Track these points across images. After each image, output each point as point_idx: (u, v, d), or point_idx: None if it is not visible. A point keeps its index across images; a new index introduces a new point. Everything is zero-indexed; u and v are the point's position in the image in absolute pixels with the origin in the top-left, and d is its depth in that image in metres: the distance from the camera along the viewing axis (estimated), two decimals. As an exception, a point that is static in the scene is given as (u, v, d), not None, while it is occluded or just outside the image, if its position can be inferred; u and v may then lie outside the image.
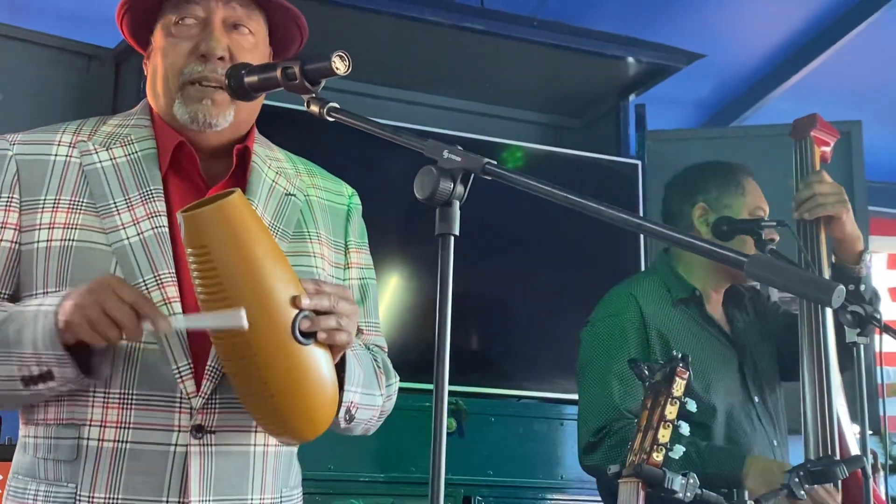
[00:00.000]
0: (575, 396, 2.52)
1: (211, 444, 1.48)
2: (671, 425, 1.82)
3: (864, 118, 3.78)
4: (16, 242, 1.53)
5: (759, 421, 2.40)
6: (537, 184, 1.27)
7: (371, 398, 1.60)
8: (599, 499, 2.56)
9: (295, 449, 1.64)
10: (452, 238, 1.27)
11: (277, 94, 1.56)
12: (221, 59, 1.56)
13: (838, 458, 2.17)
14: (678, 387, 1.84)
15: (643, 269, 3.54)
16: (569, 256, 3.54)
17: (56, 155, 1.57)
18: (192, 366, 1.47)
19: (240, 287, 1.35)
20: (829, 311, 2.33)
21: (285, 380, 1.39)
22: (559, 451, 3.27)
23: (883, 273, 5.13)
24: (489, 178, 1.30)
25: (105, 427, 1.47)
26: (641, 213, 3.60)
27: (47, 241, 1.52)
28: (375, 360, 1.65)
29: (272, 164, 1.67)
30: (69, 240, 1.51)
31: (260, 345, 1.36)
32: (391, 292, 3.31)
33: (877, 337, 2.10)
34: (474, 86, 3.87)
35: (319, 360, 1.41)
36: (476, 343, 3.36)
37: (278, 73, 1.43)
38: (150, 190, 1.55)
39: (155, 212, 1.53)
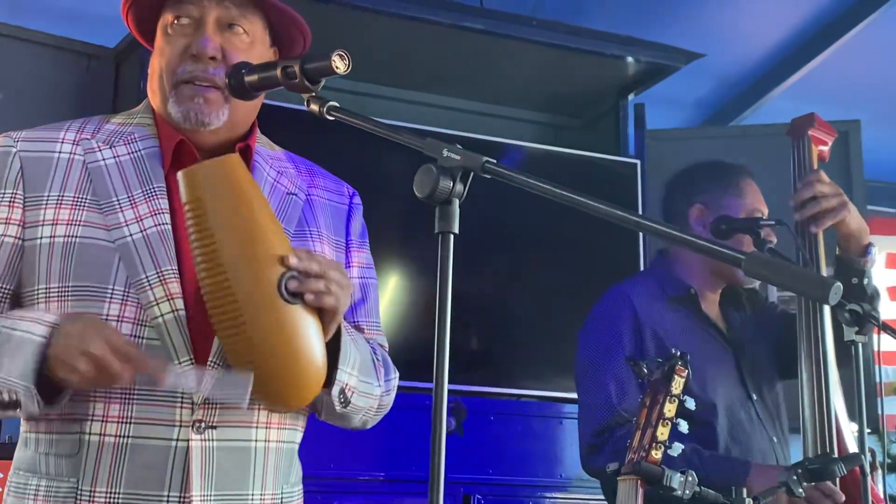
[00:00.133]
0: (574, 395, 2.53)
1: (212, 440, 1.49)
2: (670, 423, 1.83)
3: (862, 118, 3.78)
4: (19, 238, 1.54)
5: (759, 418, 2.41)
6: (536, 182, 1.27)
7: (368, 386, 1.60)
8: (598, 497, 2.57)
9: (296, 446, 1.65)
10: (452, 236, 1.27)
11: (277, 93, 1.57)
12: (213, 58, 1.56)
13: (836, 456, 2.17)
14: (677, 385, 1.84)
15: (642, 268, 3.55)
16: (568, 256, 3.55)
17: (60, 152, 1.58)
18: (193, 361, 1.48)
19: (230, 241, 1.38)
20: (827, 310, 2.34)
21: (270, 337, 1.40)
22: (558, 449, 3.28)
23: (882, 272, 5.14)
24: (488, 177, 1.30)
25: (107, 422, 1.48)
26: (640, 213, 3.61)
27: (50, 237, 1.53)
28: (375, 353, 1.66)
29: (274, 163, 1.68)
30: (72, 236, 1.52)
31: (246, 300, 1.38)
32: (391, 291, 3.32)
33: (875, 336, 2.10)
34: (474, 85, 3.87)
35: (306, 321, 1.42)
36: (475, 342, 3.37)
37: (278, 72, 1.44)
38: (153, 187, 1.56)
39: (158, 209, 1.54)
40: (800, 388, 2.33)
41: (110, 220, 1.53)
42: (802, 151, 2.51)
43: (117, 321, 1.48)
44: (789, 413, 2.51)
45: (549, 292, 3.50)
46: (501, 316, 3.49)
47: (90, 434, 1.48)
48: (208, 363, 1.49)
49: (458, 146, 1.30)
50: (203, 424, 1.48)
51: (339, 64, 1.39)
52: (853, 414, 2.21)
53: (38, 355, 1.40)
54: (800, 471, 1.95)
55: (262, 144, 1.69)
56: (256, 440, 1.54)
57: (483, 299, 3.43)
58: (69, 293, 1.50)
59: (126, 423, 1.48)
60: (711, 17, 4.27)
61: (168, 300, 1.49)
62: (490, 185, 1.37)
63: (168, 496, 1.47)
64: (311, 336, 1.43)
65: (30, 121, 1.68)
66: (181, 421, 1.48)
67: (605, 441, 2.29)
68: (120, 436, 1.47)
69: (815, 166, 2.49)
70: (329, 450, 2.93)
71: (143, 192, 1.55)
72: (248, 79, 1.48)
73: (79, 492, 1.47)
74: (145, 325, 1.49)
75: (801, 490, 1.94)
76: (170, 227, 1.53)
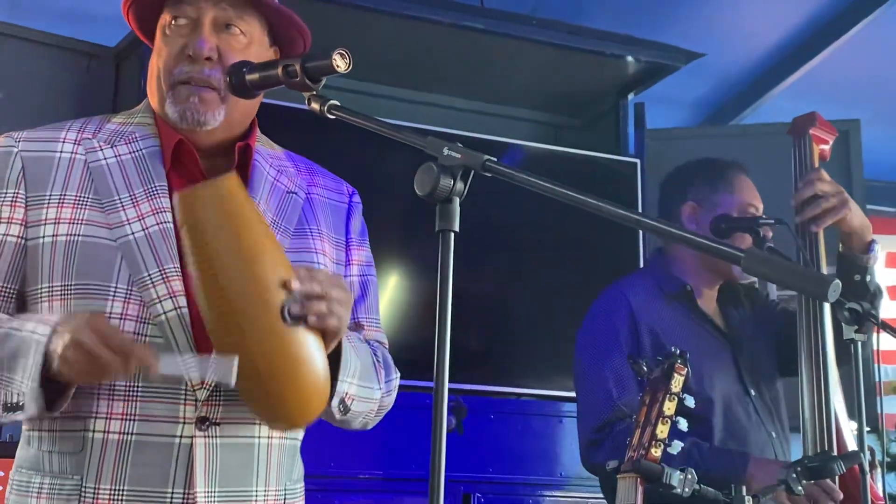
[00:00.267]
0: (573, 394, 2.54)
1: (216, 436, 1.49)
2: (669, 421, 1.83)
3: (862, 117, 3.78)
4: (22, 237, 1.55)
5: (757, 414, 2.41)
6: (536, 180, 1.28)
7: (368, 391, 1.61)
8: (598, 496, 2.57)
9: (298, 443, 1.66)
10: (452, 234, 1.28)
11: (278, 92, 1.57)
12: (209, 59, 1.57)
13: (835, 454, 2.17)
14: (676, 383, 1.84)
15: (641, 266, 3.56)
16: (568, 255, 3.55)
17: (61, 152, 1.59)
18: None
19: (231, 266, 1.37)
20: (826, 308, 2.34)
21: (274, 361, 1.39)
22: (558, 448, 3.28)
23: (882, 271, 5.15)
24: (489, 176, 1.31)
25: (110, 419, 1.48)
26: (640, 212, 3.61)
27: (53, 236, 1.53)
28: (375, 355, 1.66)
29: (274, 161, 1.69)
30: (74, 235, 1.53)
31: (249, 325, 1.38)
32: (391, 290, 3.32)
33: (874, 335, 2.10)
34: (474, 85, 3.88)
35: (309, 343, 1.41)
36: (476, 341, 3.37)
37: (279, 70, 1.44)
38: (155, 186, 1.57)
39: (159, 208, 1.55)
40: (799, 386, 2.34)
41: (112, 219, 1.53)
42: (803, 150, 2.51)
43: (120, 319, 1.48)
44: (789, 411, 2.52)
45: (549, 291, 3.51)
46: (501, 315, 3.50)
47: (94, 431, 1.48)
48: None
49: (459, 145, 1.31)
50: (207, 421, 1.49)
51: (340, 62, 1.39)
52: (853, 412, 2.22)
53: (42, 354, 1.40)
54: (799, 469, 1.95)
55: (262, 143, 1.70)
56: (259, 437, 1.54)
57: (483, 298, 3.43)
58: (72, 291, 1.51)
59: (130, 420, 1.48)
60: (711, 16, 4.27)
61: (171, 297, 1.49)
62: (491, 184, 1.38)
63: (172, 493, 1.47)
64: (314, 358, 1.43)
65: (30, 120, 1.68)
66: (185, 418, 1.48)
67: (605, 436, 2.30)
68: (124, 433, 1.48)
69: (816, 165, 2.50)
70: (330, 448, 2.93)
71: (144, 190, 1.56)
72: (249, 77, 1.49)
73: (83, 489, 1.47)
74: (148, 323, 1.49)
75: (800, 488, 1.94)
76: (171, 225, 1.54)
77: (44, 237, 1.54)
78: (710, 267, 2.48)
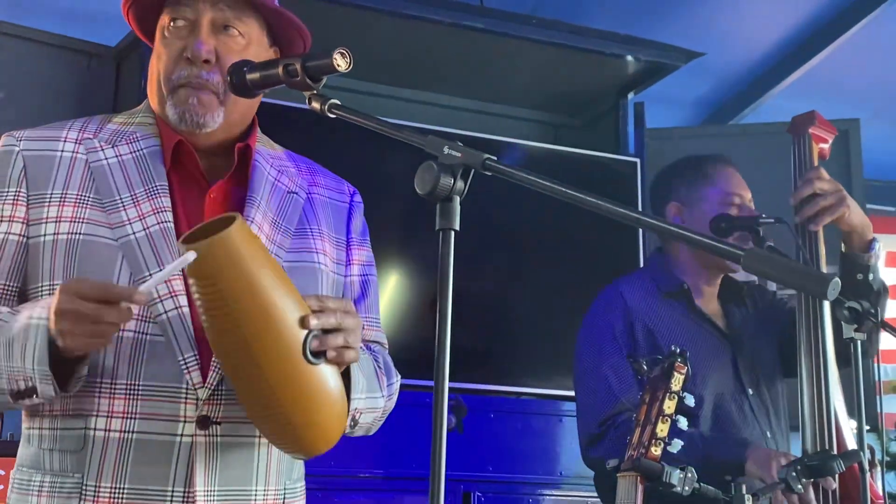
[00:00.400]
0: (573, 393, 2.55)
1: (216, 435, 1.50)
2: (669, 420, 1.83)
3: (862, 116, 3.79)
4: (23, 236, 1.56)
5: (753, 412, 2.42)
6: (536, 179, 1.28)
7: (374, 401, 1.62)
8: (598, 495, 2.58)
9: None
10: (453, 233, 1.28)
11: (278, 92, 1.57)
12: (207, 62, 1.57)
13: (835, 452, 2.18)
14: (676, 381, 1.85)
15: (641, 265, 3.56)
16: (568, 254, 3.55)
17: (62, 151, 1.59)
18: (198, 357, 1.49)
19: (247, 314, 1.36)
20: (826, 307, 2.34)
21: (299, 400, 1.41)
22: (558, 447, 3.29)
23: (882, 271, 5.14)
24: (489, 175, 1.31)
25: (111, 417, 1.48)
26: (640, 210, 3.61)
27: (54, 234, 1.54)
28: (376, 360, 1.67)
29: (274, 162, 1.69)
30: (76, 233, 1.53)
31: (272, 368, 1.38)
32: (391, 290, 3.32)
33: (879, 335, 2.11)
34: (474, 84, 3.88)
35: (328, 377, 1.43)
36: (476, 340, 3.37)
37: (280, 69, 1.45)
38: (156, 186, 1.57)
39: (160, 207, 1.55)
40: (799, 385, 2.34)
41: (113, 219, 1.54)
42: (803, 149, 2.52)
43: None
44: (789, 410, 2.52)
45: (549, 290, 3.51)
46: (501, 314, 3.50)
47: (95, 430, 1.49)
48: (213, 359, 1.49)
49: (459, 143, 1.31)
50: (208, 421, 1.49)
51: (341, 62, 1.39)
52: (852, 411, 2.22)
53: (46, 336, 1.40)
54: (799, 467, 1.96)
55: (263, 143, 1.70)
56: (260, 437, 1.54)
57: (483, 297, 3.43)
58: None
59: (131, 418, 1.48)
60: (711, 16, 4.27)
61: (171, 297, 1.50)
62: (491, 183, 1.38)
63: (172, 491, 1.47)
64: (334, 389, 1.45)
65: (31, 119, 1.69)
66: (185, 417, 1.49)
67: (607, 430, 2.32)
68: (125, 431, 1.48)
69: (816, 164, 2.50)
70: (330, 447, 2.93)
71: (145, 190, 1.56)
72: (249, 77, 1.49)
73: (84, 487, 1.48)
74: (149, 322, 1.50)
75: (800, 486, 1.95)
76: (172, 224, 1.54)
77: (45, 235, 1.54)
78: (706, 263, 2.49)
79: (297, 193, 1.67)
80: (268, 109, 1.72)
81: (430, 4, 3.38)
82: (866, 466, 2.06)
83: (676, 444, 1.83)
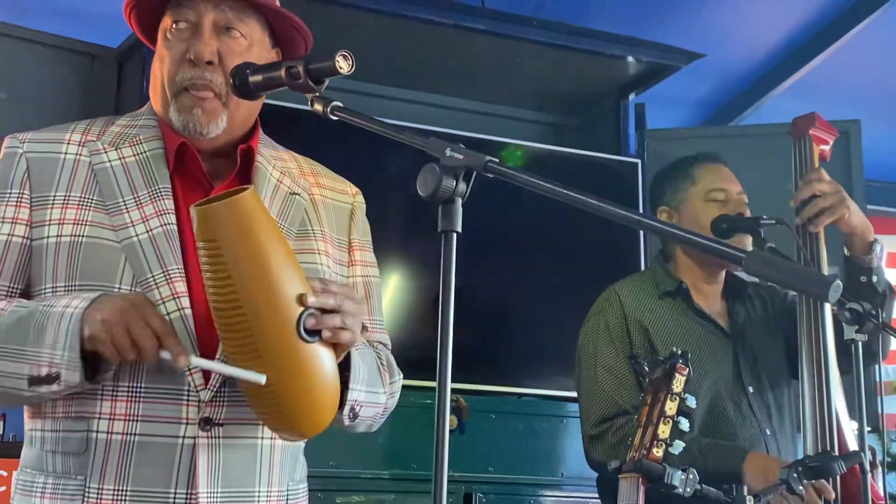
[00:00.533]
0: (574, 394, 2.56)
1: (219, 437, 1.50)
2: (671, 421, 1.83)
3: (863, 117, 3.79)
4: (27, 238, 1.56)
5: (752, 410, 2.42)
6: (538, 181, 1.28)
7: (375, 396, 1.61)
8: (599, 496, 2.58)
9: (301, 444, 1.66)
10: (455, 235, 1.28)
11: (280, 93, 1.58)
12: (210, 63, 1.57)
13: (836, 453, 2.18)
14: (678, 383, 1.85)
15: (643, 267, 3.57)
16: (570, 255, 3.56)
17: (66, 153, 1.60)
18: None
19: (248, 282, 1.37)
20: (828, 308, 2.35)
21: (289, 376, 1.40)
22: (560, 448, 3.29)
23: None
24: (491, 176, 1.31)
25: (114, 420, 1.49)
26: (641, 212, 3.61)
27: (57, 236, 1.54)
28: (379, 358, 1.67)
29: (276, 163, 1.69)
30: (79, 235, 1.53)
31: (265, 340, 1.38)
32: (393, 290, 3.32)
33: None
34: (475, 85, 3.88)
35: (323, 357, 1.43)
36: (478, 340, 3.37)
37: (282, 72, 1.45)
38: (159, 188, 1.57)
39: (164, 209, 1.55)
40: (800, 386, 2.35)
41: (116, 221, 1.54)
42: (804, 151, 2.52)
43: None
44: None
45: (550, 291, 3.51)
46: (503, 314, 3.50)
47: (97, 432, 1.49)
48: (215, 360, 1.49)
49: (461, 145, 1.31)
50: (210, 422, 1.49)
51: (343, 64, 1.39)
52: (853, 412, 2.22)
53: (80, 325, 1.41)
54: (800, 468, 1.96)
55: (265, 145, 1.70)
56: (262, 438, 1.55)
57: (485, 298, 3.44)
58: (76, 292, 1.51)
59: (133, 420, 1.49)
60: (712, 17, 4.28)
61: (174, 299, 1.50)
62: (494, 184, 1.38)
63: (175, 493, 1.48)
64: (327, 371, 1.44)
65: (33, 121, 1.69)
66: (188, 419, 1.49)
67: (605, 431, 2.33)
68: (127, 433, 1.48)
69: (817, 165, 2.50)
70: (331, 447, 2.94)
71: (148, 192, 1.56)
72: (252, 79, 1.49)
73: (86, 489, 1.48)
74: None
75: (801, 487, 1.95)
76: (175, 227, 1.55)
77: (48, 238, 1.54)
78: (702, 261, 2.50)
79: (299, 195, 1.67)
80: (270, 110, 1.72)
81: (431, 6, 3.39)
82: (867, 467, 2.06)
83: (678, 446, 1.83)
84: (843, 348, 2.21)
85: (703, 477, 1.85)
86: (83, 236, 1.53)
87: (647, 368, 1.88)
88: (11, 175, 1.58)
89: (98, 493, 1.47)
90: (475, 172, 1.30)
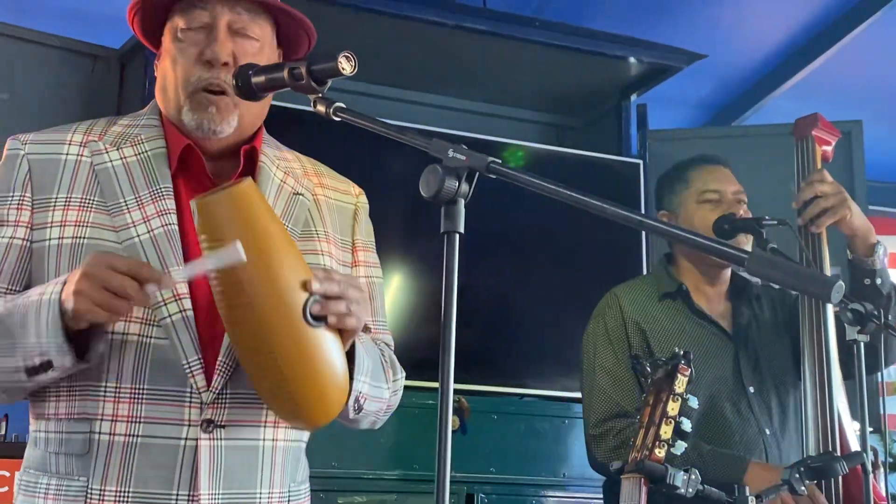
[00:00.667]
0: (575, 394, 2.56)
1: (221, 439, 1.50)
2: (673, 422, 1.83)
3: (864, 118, 3.79)
4: (28, 240, 1.56)
5: (751, 410, 2.43)
6: (540, 182, 1.28)
7: (379, 390, 1.61)
8: (601, 496, 2.58)
9: (303, 445, 1.66)
10: (458, 236, 1.28)
11: (283, 94, 1.58)
12: (226, 64, 1.58)
13: (838, 454, 2.18)
14: (680, 383, 1.85)
15: (645, 268, 3.58)
16: (572, 256, 3.56)
17: (67, 154, 1.59)
18: (202, 360, 1.50)
19: (251, 270, 1.37)
20: (830, 309, 2.35)
21: (297, 362, 1.40)
22: (562, 448, 3.29)
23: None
24: (494, 177, 1.31)
25: (116, 421, 1.49)
26: (643, 213, 3.61)
27: (59, 238, 1.54)
28: (382, 354, 1.67)
29: (280, 163, 1.69)
30: (80, 237, 1.53)
31: (272, 327, 1.39)
32: (396, 291, 3.33)
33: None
34: (476, 86, 3.88)
35: (330, 343, 1.43)
36: (480, 341, 3.37)
37: (285, 73, 1.45)
38: (160, 188, 1.57)
39: (165, 210, 1.55)
40: (803, 387, 2.35)
41: (118, 222, 1.54)
42: (806, 152, 2.52)
43: (125, 321, 1.49)
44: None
45: (552, 292, 3.52)
46: (505, 315, 3.51)
47: (100, 433, 1.49)
48: (217, 363, 1.50)
49: (464, 146, 1.31)
50: (212, 424, 1.49)
51: (346, 65, 1.40)
52: (855, 413, 2.22)
53: (59, 308, 1.40)
54: (802, 469, 1.96)
55: (269, 145, 1.70)
56: (264, 439, 1.55)
57: (487, 298, 3.44)
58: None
59: (135, 422, 1.49)
60: (713, 17, 4.28)
61: (176, 300, 1.50)
62: (497, 185, 1.38)
63: (177, 495, 1.48)
64: (334, 357, 1.44)
65: (35, 122, 1.69)
66: (190, 420, 1.49)
67: (606, 431, 2.35)
68: (129, 435, 1.48)
69: (819, 166, 2.50)
70: (333, 448, 2.94)
71: (150, 193, 1.56)
72: (255, 80, 1.49)
73: (89, 490, 1.48)
74: (153, 325, 1.50)
75: (803, 488, 1.95)
76: (177, 227, 1.54)
77: (49, 240, 1.54)
78: (704, 263, 2.51)
79: (302, 195, 1.67)
80: (272, 111, 1.73)
81: (433, 7, 3.39)
82: (869, 468, 2.06)
83: (680, 446, 1.84)
84: (846, 352, 2.22)
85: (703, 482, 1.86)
86: (84, 238, 1.53)
87: (648, 369, 1.88)
88: (13, 177, 1.58)
89: (100, 495, 1.47)
90: (478, 173, 1.31)
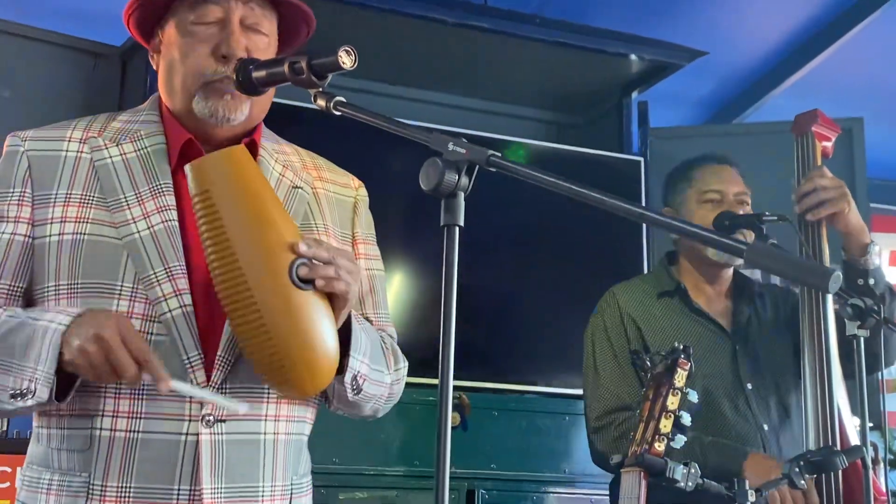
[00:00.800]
0: (576, 391, 2.58)
1: (221, 433, 1.50)
2: (673, 415, 1.84)
3: (865, 115, 3.79)
4: (29, 236, 1.56)
5: (749, 407, 2.44)
6: (540, 175, 1.29)
7: (379, 374, 1.61)
8: (601, 492, 2.59)
9: (305, 438, 1.66)
10: (457, 229, 1.28)
11: (284, 91, 1.58)
12: (241, 59, 1.58)
13: (838, 448, 2.18)
14: (680, 377, 1.86)
15: (645, 266, 3.59)
16: (573, 253, 3.57)
17: (67, 151, 1.60)
18: (202, 356, 1.50)
19: (241, 229, 1.40)
20: (830, 304, 2.36)
21: (283, 322, 1.41)
22: (563, 445, 3.29)
23: (885, 269, 5.14)
24: (494, 171, 1.32)
25: (117, 417, 1.49)
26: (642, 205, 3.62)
27: (59, 234, 1.54)
28: (383, 341, 1.67)
29: (279, 157, 1.69)
30: (81, 233, 1.53)
31: (258, 287, 1.39)
32: (397, 288, 3.33)
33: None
34: (477, 83, 3.89)
35: (318, 307, 1.43)
36: (481, 338, 3.38)
37: (286, 67, 1.45)
38: (160, 184, 1.57)
39: (165, 206, 1.55)
40: (803, 382, 2.36)
41: (118, 218, 1.54)
42: (806, 147, 2.53)
43: (126, 317, 1.49)
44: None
45: (553, 289, 3.52)
46: (506, 312, 3.51)
47: (101, 429, 1.49)
48: (217, 357, 1.50)
49: (464, 140, 1.32)
50: (212, 418, 1.50)
51: (346, 59, 1.40)
52: (855, 408, 2.23)
53: (59, 342, 1.41)
54: (802, 463, 1.96)
55: (267, 138, 1.70)
56: (265, 433, 1.55)
57: (488, 295, 3.44)
58: (78, 290, 1.52)
59: (136, 418, 1.49)
60: (714, 15, 4.28)
61: (176, 296, 1.50)
62: (498, 181, 1.38)
63: (178, 489, 1.48)
64: (323, 321, 1.44)
65: (36, 119, 1.69)
66: (190, 415, 1.49)
67: (607, 424, 2.37)
68: (130, 430, 1.49)
69: (819, 162, 2.51)
70: (334, 444, 2.94)
71: (149, 188, 1.57)
72: (255, 74, 1.50)
73: (91, 486, 1.48)
74: (154, 321, 1.50)
75: (803, 482, 1.95)
76: (177, 223, 1.55)
77: (50, 236, 1.55)
78: (704, 262, 2.52)
79: (301, 188, 1.67)
80: (273, 108, 1.73)
81: (434, 4, 3.40)
82: (869, 462, 2.06)
83: (680, 440, 1.84)
84: (847, 347, 2.22)
85: (703, 475, 1.86)
86: (85, 234, 1.53)
87: (648, 363, 1.89)
88: (13, 174, 1.58)
89: (102, 490, 1.48)
90: (477, 167, 1.31)
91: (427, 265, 3.31)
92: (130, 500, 1.48)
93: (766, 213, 2.45)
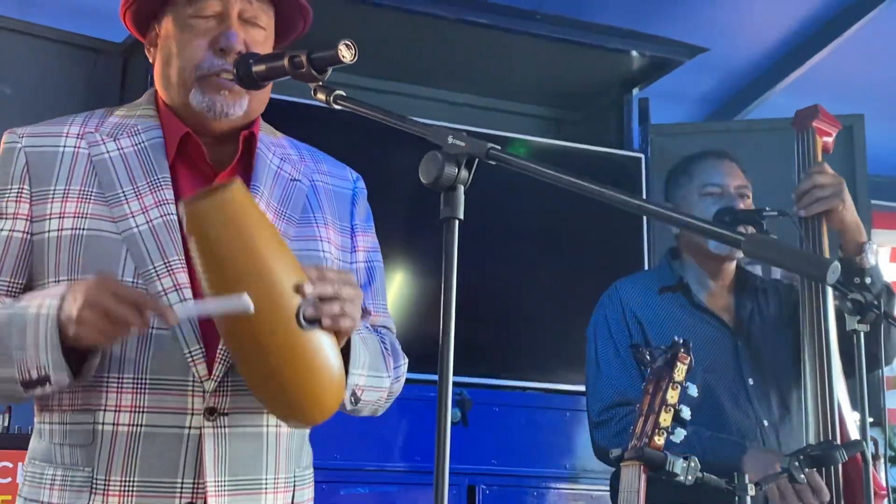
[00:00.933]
0: (576, 387, 2.58)
1: (224, 426, 1.51)
2: (672, 409, 1.84)
3: (866, 112, 3.79)
4: (27, 233, 1.56)
5: (750, 402, 2.44)
6: (540, 168, 1.29)
7: (378, 380, 1.62)
8: (602, 488, 2.60)
9: (307, 430, 1.67)
10: (457, 222, 1.28)
11: (284, 89, 1.58)
12: (239, 53, 1.58)
13: (838, 443, 2.18)
14: (679, 371, 1.86)
15: (646, 261, 3.59)
16: (574, 249, 3.57)
17: (65, 146, 1.59)
18: (203, 350, 1.50)
19: (243, 276, 1.37)
20: (830, 299, 2.36)
21: (292, 366, 1.41)
22: (563, 441, 3.30)
23: (886, 267, 5.14)
24: (495, 167, 1.32)
25: (119, 411, 1.49)
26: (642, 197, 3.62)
27: (58, 230, 1.54)
28: (383, 342, 1.67)
29: (277, 150, 1.69)
30: (79, 229, 1.53)
31: (266, 333, 1.39)
32: (396, 284, 3.33)
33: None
34: (478, 80, 3.89)
35: (325, 345, 1.43)
36: (481, 334, 3.38)
37: (285, 61, 1.45)
38: (158, 178, 1.57)
39: (163, 200, 1.55)
40: (803, 377, 2.36)
41: (116, 213, 1.54)
42: (806, 143, 2.53)
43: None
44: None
45: (554, 285, 3.53)
46: (507, 308, 3.51)
47: (103, 424, 1.49)
48: (218, 351, 1.50)
49: (464, 133, 1.32)
50: (215, 412, 1.50)
51: (346, 53, 1.40)
52: (856, 403, 2.23)
53: (56, 324, 1.41)
54: (802, 457, 1.96)
55: (265, 131, 1.70)
56: (268, 425, 1.55)
57: (489, 291, 3.45)
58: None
59: (139, 412, 1.49)
60: (715, 11, 4.27)
61: (176, 290, 1.50)
62: (499, 176, 1.39)
63: (182, 483, 1.48)
64: (329, 358, 1.44)
65: (38, 116, 1.69)
66: (193, 409, 1.50)
67: (609, 418, 2.38)
68: (133, 424, 1.49)
69: (819, 158, 2.51)
70: (336, 440, 2.94)
71: (147, 183, 1.56)
72: (255, 69, 1.50)
73: (94, 481, 1.48)
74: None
75: (802, 476, 1.95)
76: (175, 217, 1.54)
77: (49, 232, 1.55)
78: (706, 256, 2.52)
79: (300, 181, 1.67)
80: (272, 104, 1.73)
81: (434, 0, 3.40)
82: (869, 457, 2.07)
83: (679, 434, 1.84)
84: (847, 342, 2.22)
85: (702, 469, 1.86)
86: (84, 229, 1.53)
87: (648, 357, 1.89)
88: (11, 170, 1.58)
89: (105, 485, 1.48)
90: (477, 160, 1.31)
91: (427, 262, 3.32)
92: (134, 494, 1.48)
93: (767, 208, 2.45)
